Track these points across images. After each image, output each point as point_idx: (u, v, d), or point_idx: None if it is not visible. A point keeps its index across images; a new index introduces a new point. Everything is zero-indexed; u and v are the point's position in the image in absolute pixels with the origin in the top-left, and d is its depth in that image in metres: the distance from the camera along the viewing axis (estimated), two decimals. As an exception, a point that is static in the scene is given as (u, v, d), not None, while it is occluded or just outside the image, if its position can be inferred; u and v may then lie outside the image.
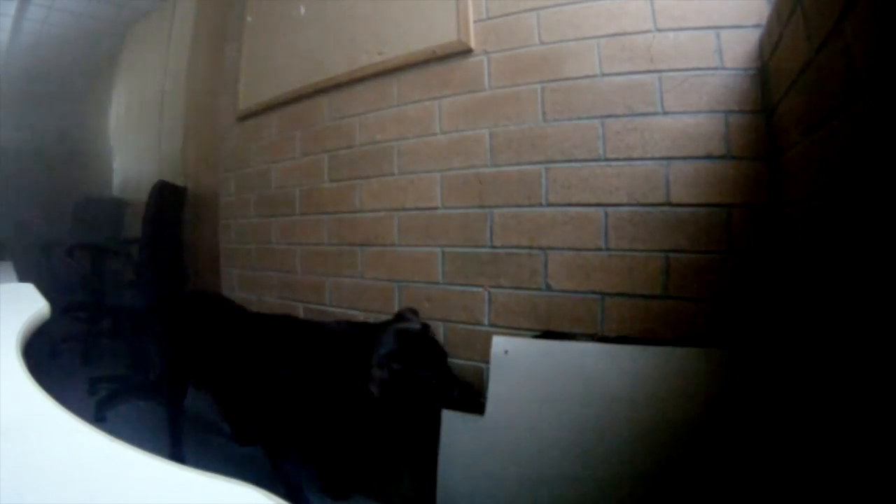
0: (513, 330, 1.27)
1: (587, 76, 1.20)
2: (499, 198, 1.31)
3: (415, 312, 1.34)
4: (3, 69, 3.88)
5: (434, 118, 1.43)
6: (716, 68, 1.08)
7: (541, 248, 1.24)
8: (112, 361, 2.74)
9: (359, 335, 1.24)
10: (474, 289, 1.34)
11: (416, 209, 1.46)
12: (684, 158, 1.10)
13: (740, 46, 1.07)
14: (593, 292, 1.17)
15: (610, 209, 1.16)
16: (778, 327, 0.98)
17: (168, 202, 2.67)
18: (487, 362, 1.26)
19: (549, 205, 1.23)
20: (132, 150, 4.04)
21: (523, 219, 1.27)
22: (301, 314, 1.79)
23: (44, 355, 2.89)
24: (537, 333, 1.24)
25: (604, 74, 1.18)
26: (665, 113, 1.12)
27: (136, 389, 2.27)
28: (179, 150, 3.25)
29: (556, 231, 1.22)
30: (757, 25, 1.05)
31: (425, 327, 1.28)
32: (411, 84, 1.48)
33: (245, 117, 2.08)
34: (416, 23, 1.46)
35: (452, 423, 1.31)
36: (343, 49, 1.65)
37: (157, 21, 3.77)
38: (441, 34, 1.40)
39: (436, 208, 1.41)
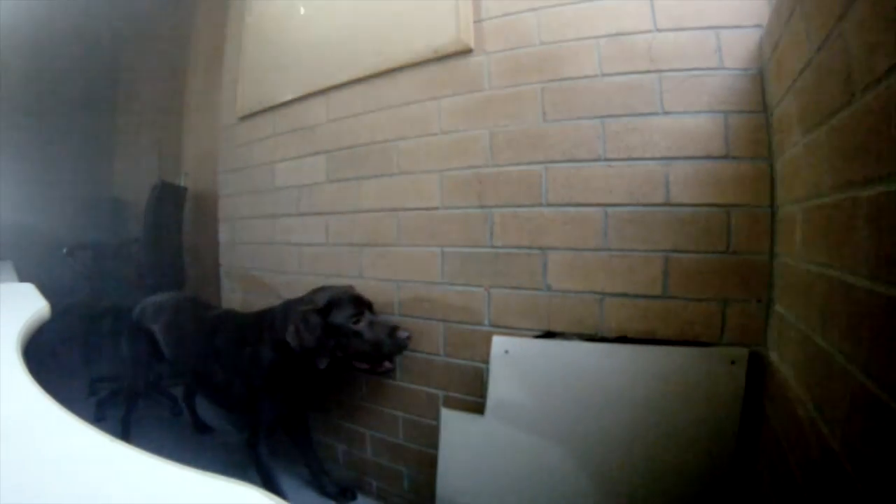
0: (513, 330, 1.27)
1: (587, 76, 1.20)
2: (499, 198, 1.31)
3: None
4: (3, 69, 3.88)
5: (434, 118, 1.42)
6: (716, 68, 1.08)
7: (541, 248, 1.24)
8: (112, 361, 2.74)
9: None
10: (474, 289, 1.34)
11: (416, 209, 1.45)
12: (684, 158, 1.10)
13: (740, 46, 1.07)
14: (593, 292, 1.17)
15: (610, 209, 1.16)
16: (778, 327, 0.98)
17: (168, 202, 2.67)
18: (487, 362, 1.27)
19: (549, 205, 1.23)
20: (132, 150, 4.05)
21: (523, 219, 1.27)
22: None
23: (44, 355, 2.89)
24: (537, 333, 1.24)
25: (604, 74, 1.18)
26: (665, 113, 1.12)
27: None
28: (179, 150, 3.26)
29: (556, 231, 1.22)
30: (757, 25, 1.05)
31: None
32: (411, 84, 1.48)
33: (245, 117, 2.08)
34: (416, 23, 1.46)
35: (452, 422, 1.31)
36: (343, 49, 1.65)
37: (158, 21, 3.77)
38: (441, 34, 1.40)
39: (436, 208, 1.41)
